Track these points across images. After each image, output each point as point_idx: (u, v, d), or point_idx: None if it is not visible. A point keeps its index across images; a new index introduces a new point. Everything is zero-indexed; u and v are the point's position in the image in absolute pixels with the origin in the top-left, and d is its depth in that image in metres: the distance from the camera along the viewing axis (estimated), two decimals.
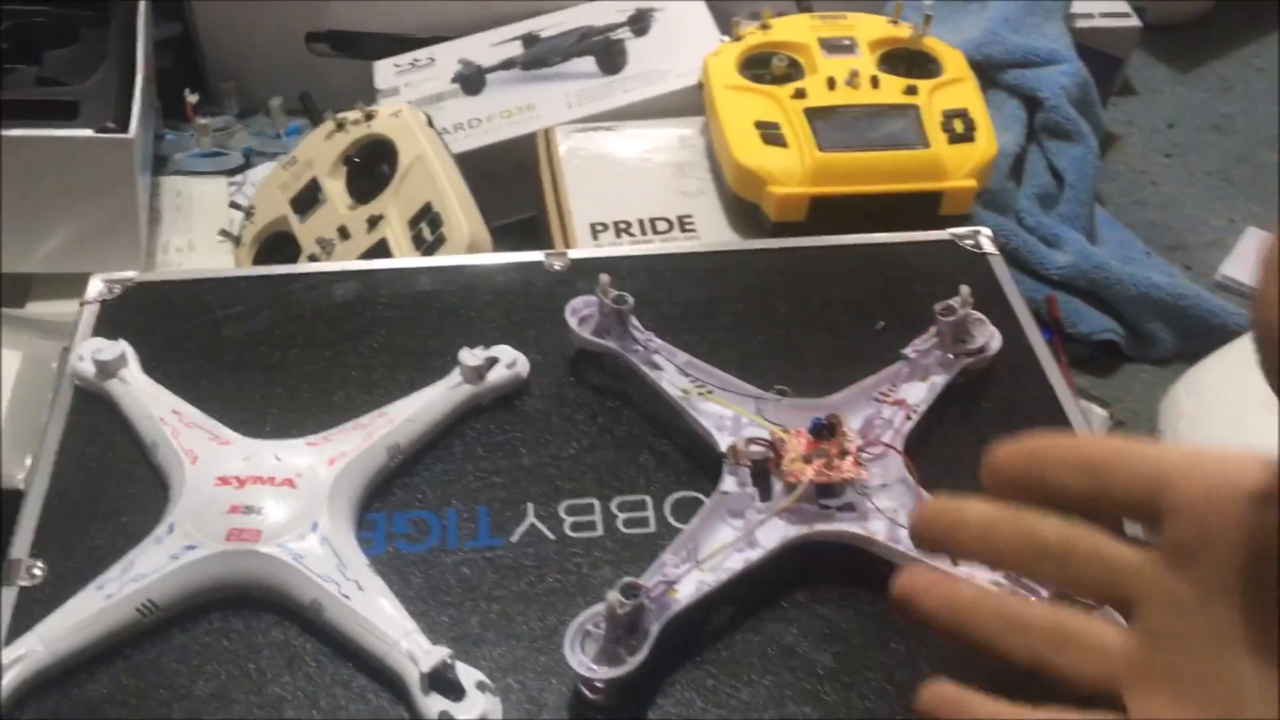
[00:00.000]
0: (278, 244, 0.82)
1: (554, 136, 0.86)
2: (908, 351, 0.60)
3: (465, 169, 0.78)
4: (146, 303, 0.65)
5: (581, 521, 0.55)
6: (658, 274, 0.67)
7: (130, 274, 0.66)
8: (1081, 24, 1.10)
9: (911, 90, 0.79)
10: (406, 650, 0.48)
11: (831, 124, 0.77)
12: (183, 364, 0.61)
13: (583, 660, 0.47)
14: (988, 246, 0.70)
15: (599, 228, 0.79)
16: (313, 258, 0.79)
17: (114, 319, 0.63)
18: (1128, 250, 0.95)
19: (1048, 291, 0.87)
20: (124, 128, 0.73)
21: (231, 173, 0.94)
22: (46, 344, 0.69)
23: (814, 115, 0.77)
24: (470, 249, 0.73)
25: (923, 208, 0.76)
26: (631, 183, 0.83)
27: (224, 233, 0.84)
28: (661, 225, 0.80)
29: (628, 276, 0.65)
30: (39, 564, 0.52)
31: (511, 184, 0.89)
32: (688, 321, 0.64)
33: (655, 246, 0.77)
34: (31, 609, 0.50)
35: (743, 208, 0.79)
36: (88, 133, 0.73)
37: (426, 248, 0.74)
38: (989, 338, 0.62)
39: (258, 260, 0.83)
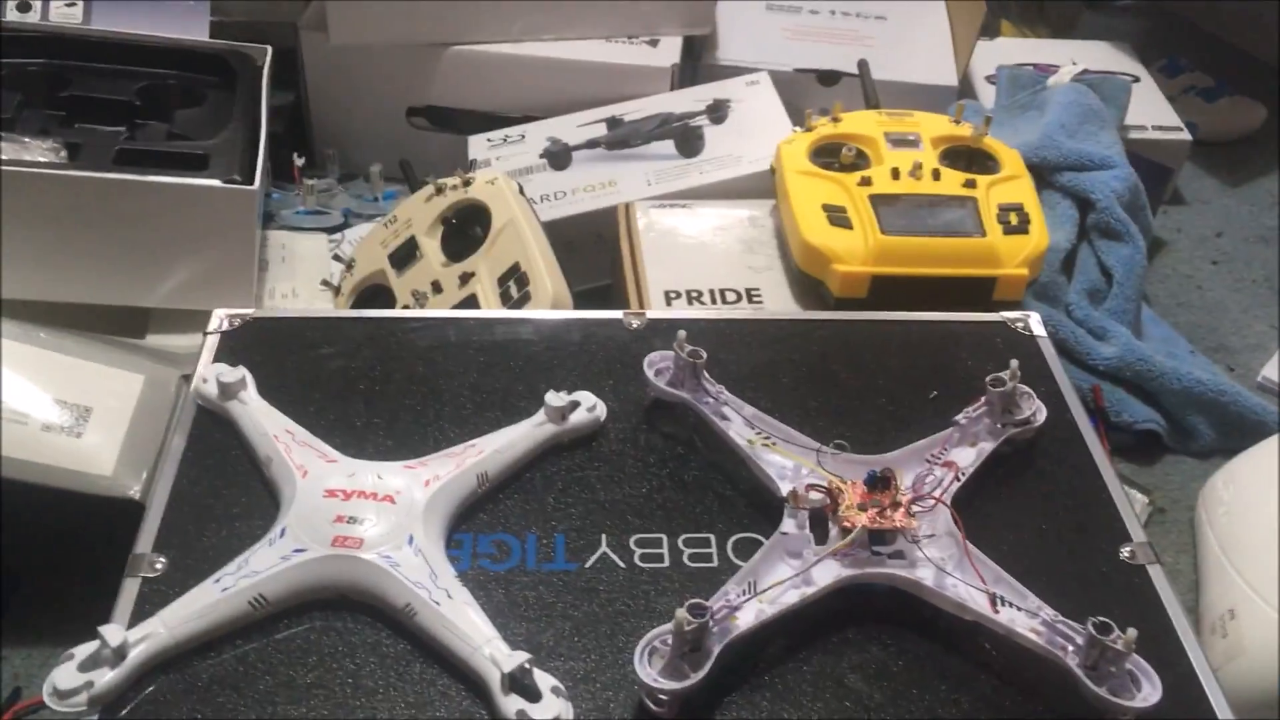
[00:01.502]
0: (374, 295, 0.89)
1: (633, 211, 0.92)
2: (959, 418, 0.65)
3: (549, 237, 0.84)
4: (261, 336, 0.71)
5: (650, 554, 0.60)
6: (727, 336, 0.73)
7: (248, 310, 0.72)
8: (1134, 135, 1.16)
9: (970, 184, 0.85)
10: (489, 654, 0.52)
11: (894, 210, 0.83)
12: (292, 391, 0.67)
13: (650, 672, 0.51)
14: (1037, 329, 0.75)
15: (673, 295, 0.85)
16: (406, 309, 0.85)
17: (232, 348, 0.70)
18: (1172, 347, 0.99)
19: (1094, 381, 0.92)
20: (249, 180, 0.81)
21: (331, 230, 1.01)
22: (165, 370, 0.75)
23: (878, 201, 0.83)
24: (554, 306, 0.79)
25: (977, 293, 0.81)
26: (704, 256, 0.88)
27: (325, 282, 0.91)
28: (731, 296, 0.85)
29: (699, 338, 0.70)
30: (161, 559, 0.58)
31: (590, 253, 0.96)
32: (753, 381, 0.70)
33: (725, 311, 0.83)
34: (153, 598, 0.56)
35: (808, 284, 0.84)
36: (216, 183, 0.80)
37: (513, 304, 0.80)
38: (1035, 410, 0.66)
39: (355, 309, 0.89)
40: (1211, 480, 0.85)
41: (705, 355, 0.65)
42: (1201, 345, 1.04)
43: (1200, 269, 1.17)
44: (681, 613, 0.51)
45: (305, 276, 0.92)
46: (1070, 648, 0.53)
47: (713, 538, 0.61)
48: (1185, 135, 1.18)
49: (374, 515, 0.57)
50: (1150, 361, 0.92)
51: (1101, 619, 0.52)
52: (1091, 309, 0.94)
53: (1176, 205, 1.26)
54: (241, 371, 0.66)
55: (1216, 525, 0.81)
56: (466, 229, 0.86)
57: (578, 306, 0.82)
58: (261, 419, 0.63)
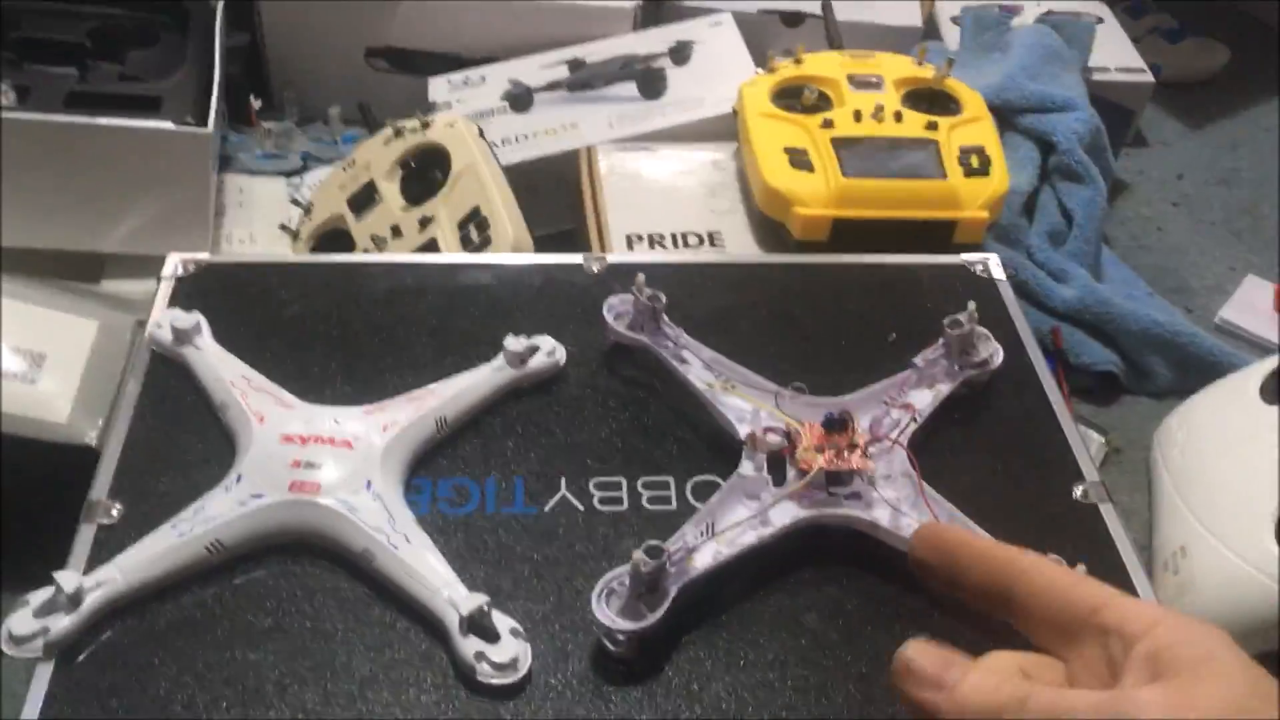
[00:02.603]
0: (333, 240, 0.88)
1: (595, 154, 0.92)
2: (916, 360, 0.65)
3: (510, 181, 0.84)
4: (217, 282, 0.70)
5: (609, 496, 0.60)
6: (688, 280, 0.73)
7: (203, 255, 0.71)
8: (1097, 76, 1.16)
9: (932, 126, 0.85)
10: (447, 597, 0.52)
11: (856, 153, 0.82)
12: (249, 338, 0.66)
13: (607, 613, 0.52)
14: (996, 272, 0.75)
15: (634, 238, 0.84)
16: (366, 253, 0.84)
17: (188, 294, 0.69)
18: (1131, 289, 1.00)
19: (1054, 323, 0.92)
20: (203, 123, 0.79)
21: (290, 174, 1.00)
22: (120, 316, 0.74)
23: (840, 144, 0.83)
24: (514, 251, 0.78)
25: (937, 235, 0.81)
26: (666, 200, 0.88)
27: (283, 227, 0.90)
28: (693, 240, 0.85)
29: (660, 281, 0.70)
30: (116, 505, 0.57)
31: (553, 197, 0.95)
32: (713, 325, 0.69)
33: (686, 255, 0.82)
34: (109, 545, 0.55)
35: (769, 227, 0.84)
36: (169, 126, 0.78)
37: (474, 248, 0.80)
38: (992, 353, 0.66)
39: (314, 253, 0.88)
40: (1166, 420, 0.87)
41: (664, 299, 0.65)
42: (1161, 287, 1.05)
43: (1161, 211, 1.18)
44: (638, 554, 0.51)
45: (263, 221, 0.91)
46: None
47: (671, 480, 0.61)
48: (1148, 77, 1.18)
49: (331, 461, 0.57)
50: (1109, 303, 0.93)
51: (1053, 556, 0.52)
52: (1052, 251, 0.95)
53: (1138, 148, 1.27)
54: (196, 317, 0.65)
55: (1171, 464, 0.83)
56: (426, 172, 0.85)
57: (539, 251, 0.81)
58: (217, 365, 0.63)
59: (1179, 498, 0.79)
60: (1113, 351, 0.94)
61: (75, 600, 0.51)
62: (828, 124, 0.84)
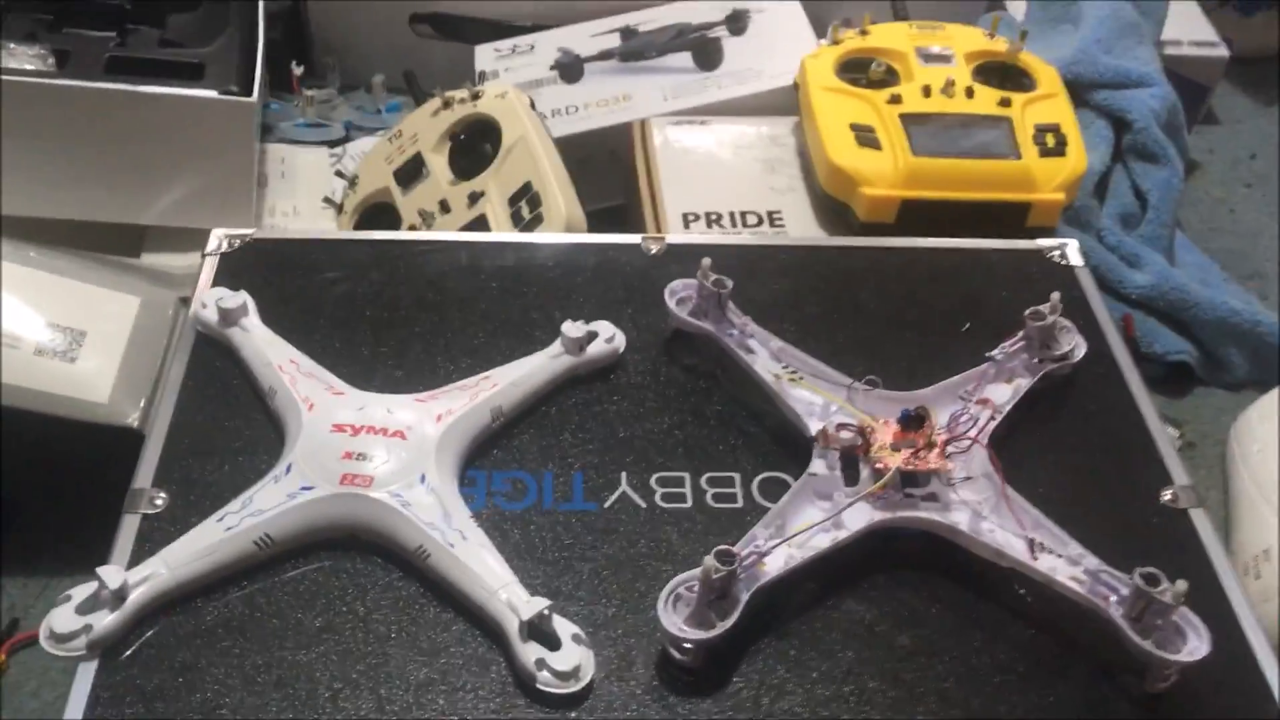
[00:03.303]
0: (379, 214, 0.85)
1: (649, 128, 0.88)
2: (995, 354, 0.62)
3: (560, 155, 0.80)
4: (262, 258, 0.68)
5: (672, 493, 0.57)
6: (750, 263, 0.69)
7: (248, 230, 0.69)
8: (1170, 51, 1.11)
9: (1005, 103, 0.81)
10: (506, 600, 0.50)
11: (925, 130, 0.79)
12: (296, 319, 0.64)
13: (674, 621, 0.49)
14: (1074, 259, 0.71)
15: (690, 217, 0.81)
16: (413, 229, 0.82)
17: (232, 271, 0.66)
18: (1205, 275, 0.95)
19: (1125, 310, 0.89)
20: (247, 91, 0.77)
21: (333, 144, 0.97)
22: (161, 292, 0.72)
23: (909, 121, 0.79)
24: (567, 228, 0.75)
25: (1010, 218, 0.78)
26: (723, 176, 0.85)
27: (327, 200, 0.87)
28: (751, 219, 0.82)
29: (721, 264, 0.66)
30: (161, 494, 0.55)
31: (604, 171, 0.92)
32: (777, 310, 0.66)
33: (748, 237, 0.79)
34: (153, 535, 0.53)
35: (832, 207, 0.81)
36: (213, 94, 0.76)
37: (524, 225, 0.77)
38: (1074, 345, 0.63)
39: (359, 229, 0.86)
40: (1245, 415, 0.83)
41: (730, 284, 0.61)
42: (1235, 273, 1.01)
43: (1233, 192, 1.13)
44: (709, 560, 0.49)
45: (306, 193, 0.89)
46: (1113, 598, 0.51)
47: (737, 477, 0.58)
48: (1222, 51, 1.13)
49: (384, 452, 0.55)
50: (1185, 290, 0.89)
51: (1149, 570, 0.49)
52: (1124, 235, 0.91)
53: (1209, 125, 1.22)
54: (243, 296, 0.62)
55: (1250, 462, 0.79)
56: (475, 145, 0.82)
57: (593, 227, 0.78)
58: (264, 347, 0.60)
59: (1261, 498, 0.76)
60: (1187, 340, 0.90)
61: (120, 596, 0.49)
62: (895, 99, 0.80)
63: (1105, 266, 0.89)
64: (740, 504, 0.57)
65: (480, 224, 0.78)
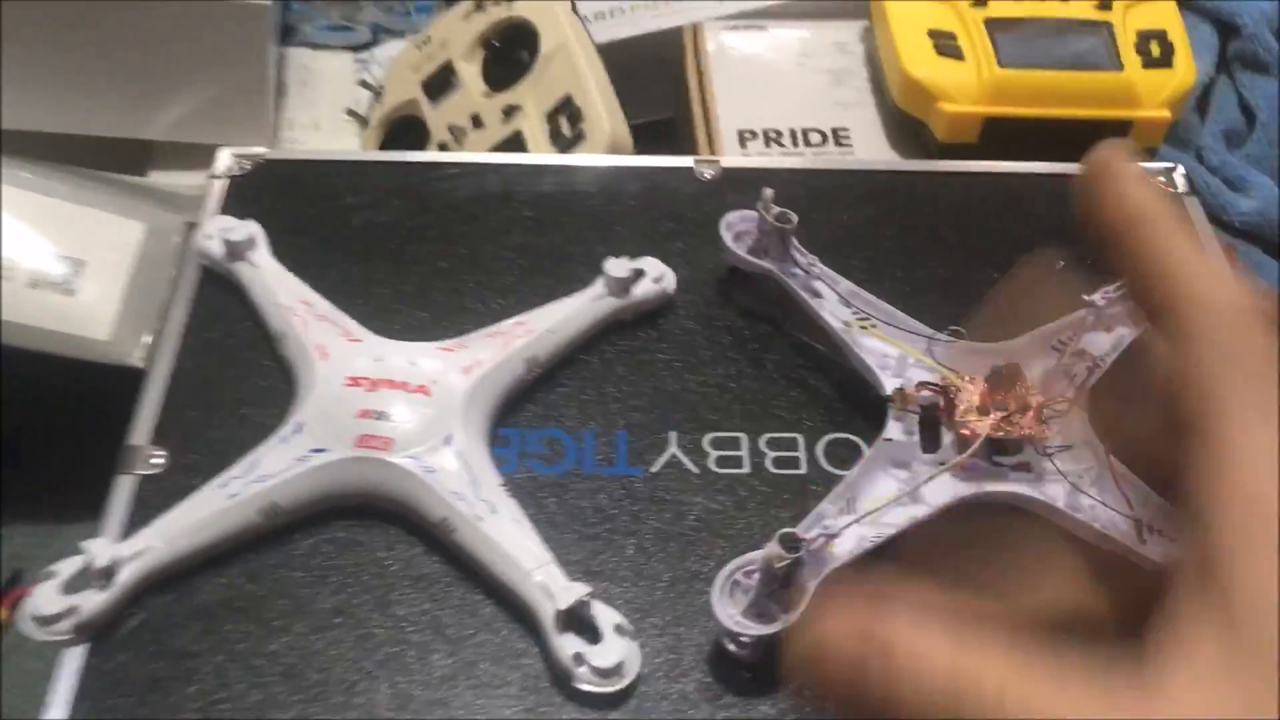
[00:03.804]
0: (407, 128, 0.78)
1: (702, 33, 0.80)
2: (1095, 298, 0.54)
3: (604, 63, 0.73)
4: (275, 182, 0.61)
5: (727, 456, 0.51)
6: (815, 190, 0.62)
7: (260, 150, 0.62)
8: None
9: (1105, 5, 0.72)
10: (541, 583, 0.44)
11: (1014, 38, 0.70)
12: (310, 251, 0.58)
13: (731, 614, 0.43)
14: (1182, 186, 0.63)
15: (747, 135, 0.73)
16: (443, 146, 0.75)
17: (241, 196, 0.60)
18: None
19: (1227, 240, 0.80)
20: None
21: (358, 49, 0.89)
22: (168, 217, 0.66)
23: (995, 27, 0.70)
24: (611, 148, 0.68)
25: (1108, 138, 0.68)
26: (784, 89, 0.77)
27: (351, 112, 0.80)
28: (815, 137, 0.74)
29: (782, 191, 0.59)
30: (160, 452, 0.50)
31: (651, 82, 0.83)
32: (847, 245, 0.59)
33: (813, 160, 0.71)
34: (150, 500, 0.48)
35: (905, 125, 0.73)
36: None
37: (565, 143, 0.70)
38: None
39: (385, 144, 0.79)
40: None
41: (795, 219, 0.54)
42: None
43: None
44: (772, 546, 0.43)
45: (329, 104, 0.82)
46: None
47: (800, 439, 0.52)
48: None
49: (405, 409, 0.49)
50: None
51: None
52: (1229, 154, 0.82)
53: None
54: (251, 227, 0.56)
55: None
56: (511, 53, 0.74)
57: (637, 143, 0.71)
58: (274, 286, 0.54)
59: None
60: None
61: (109, 573, 0.44)
62: (980, 2, 0.72)
63: (1206, 190, 0.80)
64: (804, 469, 0.51)
65: (515, 141, 0.71)
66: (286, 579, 0.46)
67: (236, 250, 0.55)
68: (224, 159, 0.61)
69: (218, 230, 0.56)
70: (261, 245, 0.56)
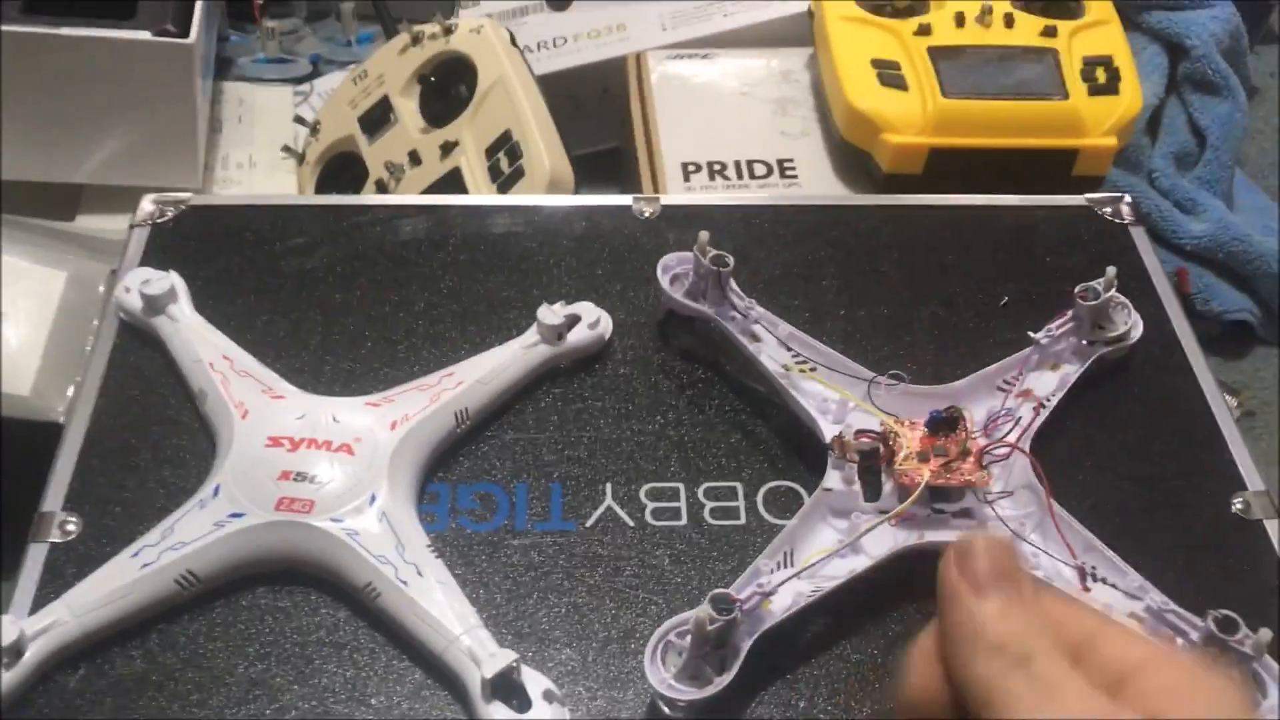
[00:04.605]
0: (344, 165, 0.76)
1: (646, 62, 0.79)
2: (1039, 336, 0.53)
3: (547, 93, 0.71)
4: (200, 228, 0.60)
5: (664, 508, 0.50)
6: (757, 227, 0.61)
7: (185, 195, 0.61)
8: None
9: (1050, 31, 0.71)
10: (468, 649, 0.43)
11: (958, 66, 0.69)
12: (236, 300, 0.56)
13: (664, 678, 0.42)
14: (1129, 216, 0.62)
15: (691, 168, 0.72)
16: (380, 183, 0.73)
17: (164, 245, 0.58)
18: (1267, 219, 0.86)
19: (1179, 264, 0.80)
20: (184, 32, 0.67)
21: (298, 81, 0.88)
22: (92, 265, 0.64)
23: (939, 55, 0.69)
24: (551, 186, 0.67)
25: (1054, 167, 0.68)
26: (728, 119, 0.75)
27: (287, 149, 0.79)
28: (760, 169, 0.73)
29: (723, 228, 0.59)
30: (73, 519, 0.48)
31: (596, 111, 0.83)
32: (788, 284, 0.58)
33: (755, 195, 0.70)
34: (63, 569, 0.46)
35: (851, 155, 0.72)
36: (145, 35, 0.67)
37: (503, 180, 0.68)
38: (1131, 325, 0.55)
39: (321, 181, 0.77)
40: None
41: (732, 262, 0.53)
42: None
43: None
44: (704, 609, 0.41)
45: (265, 140, 0.80)
46: (1180, 642, 0.43)
47: (739, 487, 0.51)
48: None
49: (328, 469, 0.47)
50: (1247, 241, 0.79)
51: (1225, 613, 0.41)
52: (1179, 177, 0.81)
53: (1270, 44, 1.10)
54: (171, 279, 0.54)
55: None
56: (448, 88, 0.73)
57: (583, 171, 0.70)
58: (195, 341, 0.53)
59: None
60: (1247, 297, 0.81)
61: (17, 651, 0.42)
62: (924, 30, 0.71)
63: (1157, 214, 0.80)
64: (743, 519, 0.50)
65: (454, 178, 0.70)
66: (203, 650, 0.44)
67: (155, 304, 0.53)
68: (146, 205, 0.60)
69: (136, 283, 0.54)
70: (183, 297, 0.54)
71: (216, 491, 0.47)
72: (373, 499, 0.46)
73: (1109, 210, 0.63)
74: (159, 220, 0.59)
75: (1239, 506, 0.50)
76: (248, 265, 0.58)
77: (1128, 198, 0.62)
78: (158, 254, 0.57)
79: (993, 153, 0.68)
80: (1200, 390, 0.55)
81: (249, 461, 0.47)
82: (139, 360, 0.54)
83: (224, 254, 0.58)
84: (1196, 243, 0.79)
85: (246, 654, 0.44)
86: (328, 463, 0.47)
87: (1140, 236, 0.61)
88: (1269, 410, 0.80)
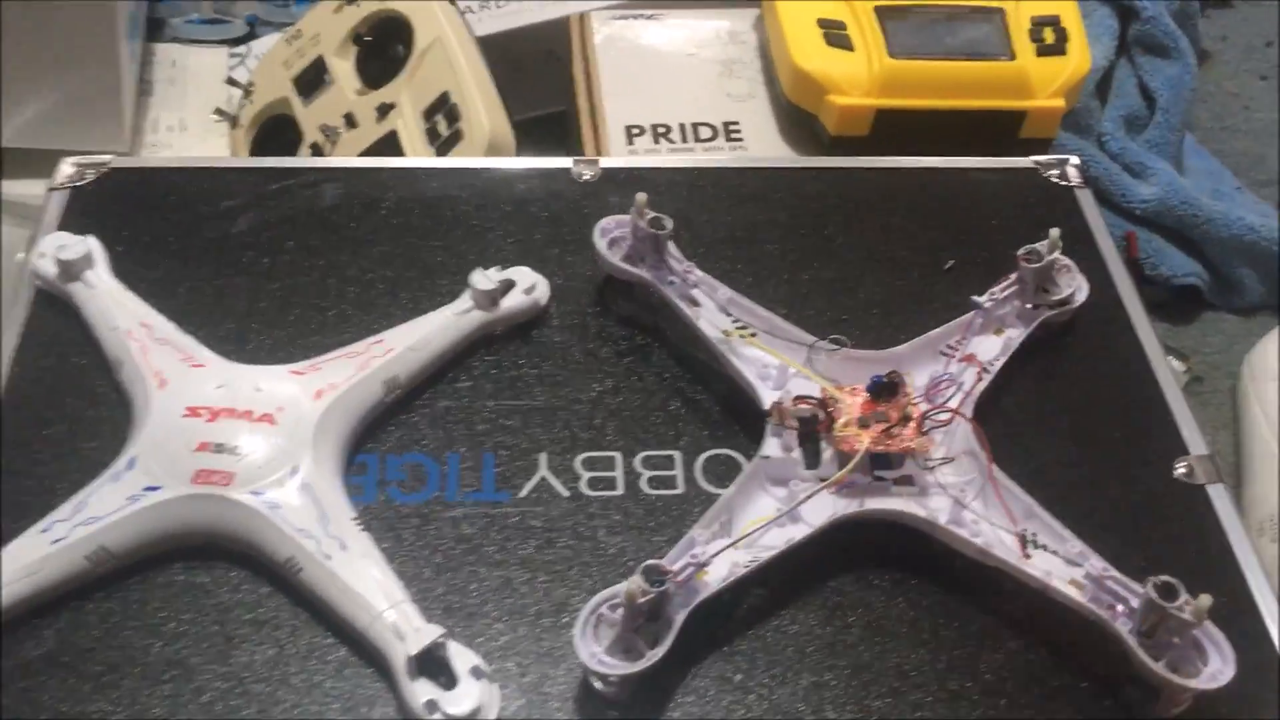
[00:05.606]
0: (278, 128, 0.74)
1: (589, 23, 0.77)
2: (982, 300, 0.52)
3: (489, 56, 0.70)
4: (122, 192, 0.58)
5: (600, 478, 0.48)
6: (699, 190, 0.60)
7: (105, 157, 0.58)
8: None
9: None
10: (393, 624, 0.41)
11: (905, 26, 0.68)
12: (158, 266, 0.54)
13: (595, 652, 0.41)
14: (1075, 178, 0.62)
15: (635, 131, 0.71)
16: (315, 147, 0.71)
17: (84, 209, 0.56)
18: (1217, 183, 0.85)
19: (1127, 227, 0.79)
20: None
21: (234, 42, 0.85)
22: (14, 231, 0.61)
23: (886, 15, 0.68)
24: (490, 149, 0.65)
25: (1001, 129, 0.68)
26: (673, 81, 0.74)
27: (220, 112, 0.76)
28: (705, 132, 0.71)
29: (666, 191, 0.57)
30: None
31: (539, 74, 0.81)
32: (730, 248, 0.57)
33: (698, 158, 0.69)
34: None
35: (797, 117, 0.70)
36: None
37: (441, 143, 0.66)
38: (1075, 287, 0.54)
39: (255, 145, 0.75)
40: (1261, 344, 0.74)
41: (670, 225, 0.52)
42: (1248, 178, 0.91)
43: (1248, 86, 1.02)
44: (635, 580, 0.40)
45: (197, 103, 0.77)
46: (1120, 609, 0.42)
47: (677, 456, 0.49)
48: None
49: (249, 440, 0.45)
50: (1195, 204, 0.79)
51: (1164, 580, 0.41)
52: (1129, 140, 0.81)
53: (1221, 9, 1.10)
54: (89, 244, 0.52)
55: (1266, 401, 0.70)
56: (385, 48, 0.71)
57: (526, 136, 0.68)
58: (112, 308, 0.51)
59: (1277, 444, 0.67)
60: (1196, 260, 0.80)
61: None
62: None
63: (1106, 177, 0.79)
64: (680, 488, 0.48)
65: (391, 141, 0.68)
66: (117, 628, 0.43)
67: (71, 270, 0.51)
68: (65, 168, 0.57)
69: (52, 248, 0.52)
70: (100, 263, 0.52)
71: (131, 464, 0.45)
72: (295, 471, 0.45)
73: (1055, 172, 0.62)
74: (79, 184, 0.57)
75: (1182, 471, 0.50)
76: (171, 230, 0.56)
77: (1074, 159, 0.62)
78: (77, 218, 0.55)
79: (940, 114, 0.67)
80: (1144, 354, 0.54)
81: (165, 432, 0.45)
82: (55, 329, 0.52)
83: (147, 219, 0.56)
84: (1145, 206, 0.78)
85: (162, 633, 0.43)
86: (248, 433, 0.45)
87: (1086, 199, 0.61)
88: (1217, 374, 0.80)
